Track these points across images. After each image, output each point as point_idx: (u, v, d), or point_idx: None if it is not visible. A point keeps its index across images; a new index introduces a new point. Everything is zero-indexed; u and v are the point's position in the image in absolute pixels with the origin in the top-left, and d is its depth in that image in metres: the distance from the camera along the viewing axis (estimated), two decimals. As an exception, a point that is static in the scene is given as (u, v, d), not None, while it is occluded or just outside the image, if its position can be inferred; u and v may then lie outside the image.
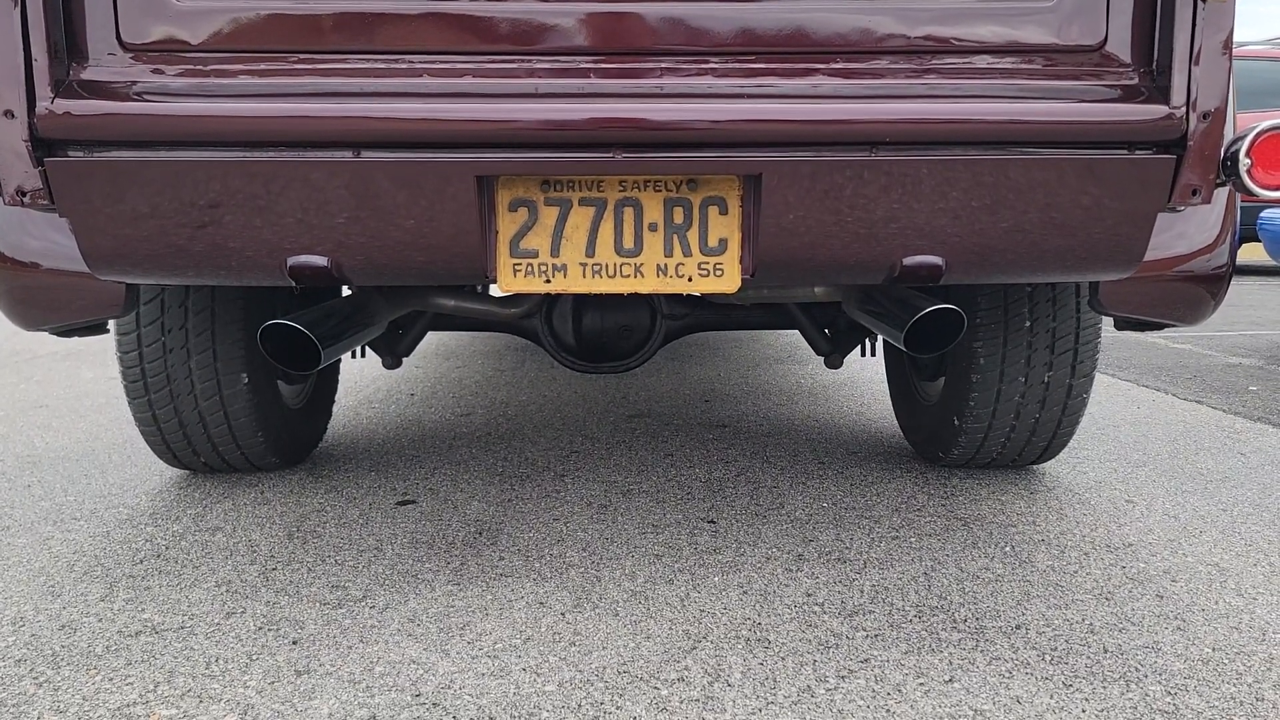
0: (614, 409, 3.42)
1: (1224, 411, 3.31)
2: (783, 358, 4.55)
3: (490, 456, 2.76)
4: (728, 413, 3.34)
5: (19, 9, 1.35)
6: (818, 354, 2.69)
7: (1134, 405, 3.41)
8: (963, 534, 2.10)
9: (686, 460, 2.72)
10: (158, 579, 1.87)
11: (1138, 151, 1.43)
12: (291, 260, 1.48)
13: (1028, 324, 2.25)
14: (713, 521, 2.19)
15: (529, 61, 1.44)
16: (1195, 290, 1.69)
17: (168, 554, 2.01)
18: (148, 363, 2.24)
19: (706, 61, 1.44)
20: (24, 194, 1.40)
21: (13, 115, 1.37)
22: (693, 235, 1.50)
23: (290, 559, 1.97)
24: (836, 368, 2.73)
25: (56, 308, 1.67)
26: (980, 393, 2.32)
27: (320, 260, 1.48)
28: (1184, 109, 1.40)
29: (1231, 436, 2.97)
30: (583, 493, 2.41)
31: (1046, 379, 2.29)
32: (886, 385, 3.02)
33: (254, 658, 1.55)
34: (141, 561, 1.97)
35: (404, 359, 2.68)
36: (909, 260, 1.49)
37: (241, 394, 2.31)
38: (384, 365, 2.62)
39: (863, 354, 3.00)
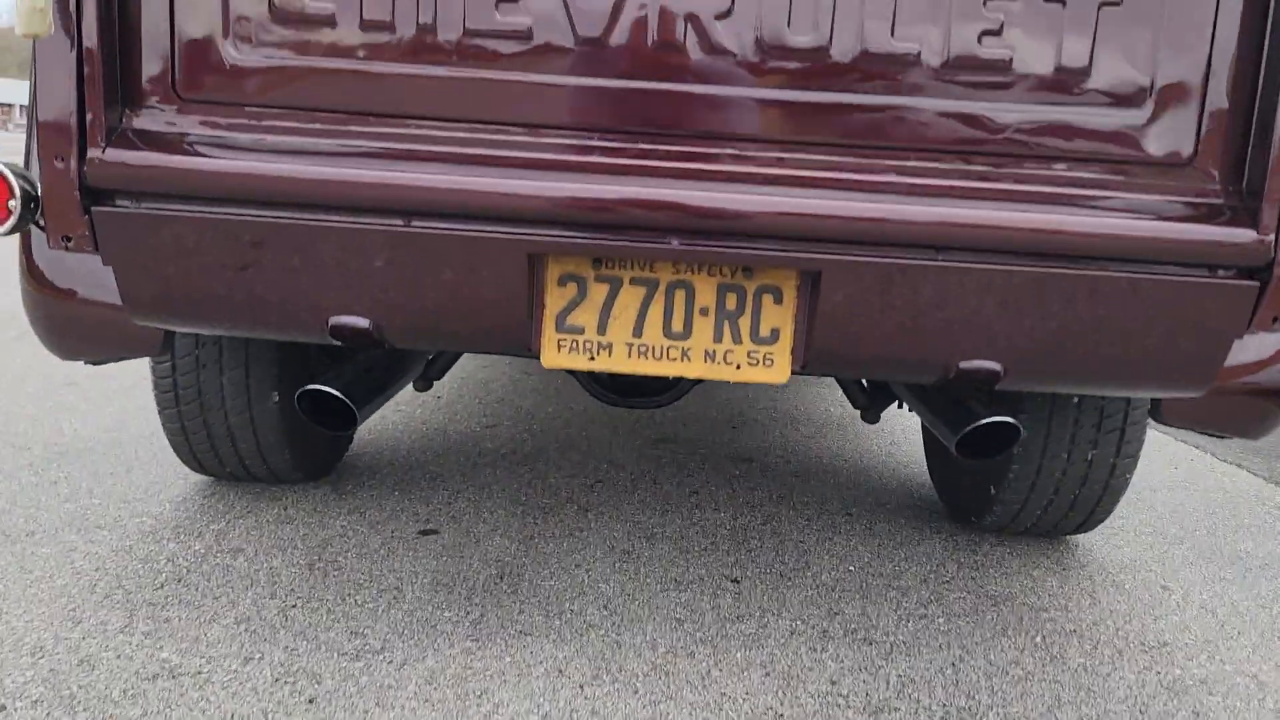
0: (640, 431, 3.39)
1: (1264, 480, 3.23)
2: (811, 381, 4.49)
3: (514, 481, 2.74)
4: (754, 444, 3.30)
5: (76, 51, 1.31)
6: (854, 407, 2.63)
7: (1172, 466, 3.34)
8: (992, 616, 2.05)
9: (711, 500, 2.68)
10: (177, 609, 1.86)
11: (1220, 274, 1.37)
12: (333, 320, 1.45)
13: (1075, 400, 2.18)
14: (736, 581, 2.16)
15: (589, 138, 1.39)
16: (1264, 405, 1.62)
17: (188, 578, 2.00)
18: (180, 375, 2.22)
19: (772, 150, 1.38)
20: (69, 239, 1.37)
21: (63, 160, 1.34)
22: (744, 322, 1.46)
23: (310, 595, 1.96)
24: (873, 423, 2.67)
25: (94, 341, 1.65)
26: (1021, 465, 2.26)
27: (363, 322, 1.45)
28: (1273, 235, 1.34)
29: (1272, 512, 2.89)
30: (605, 534, 2.38)
31: (1090, 456, 2.23)
32: (920, 432, 2.96)
33: (270, 716, 1.53)
34: (162, 585, 1.96)
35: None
36: (966, 364, 1.44)
37: (271, 412, 2.29)
38: (414, 388, 2.59)
39: (899, 406, 2.94)
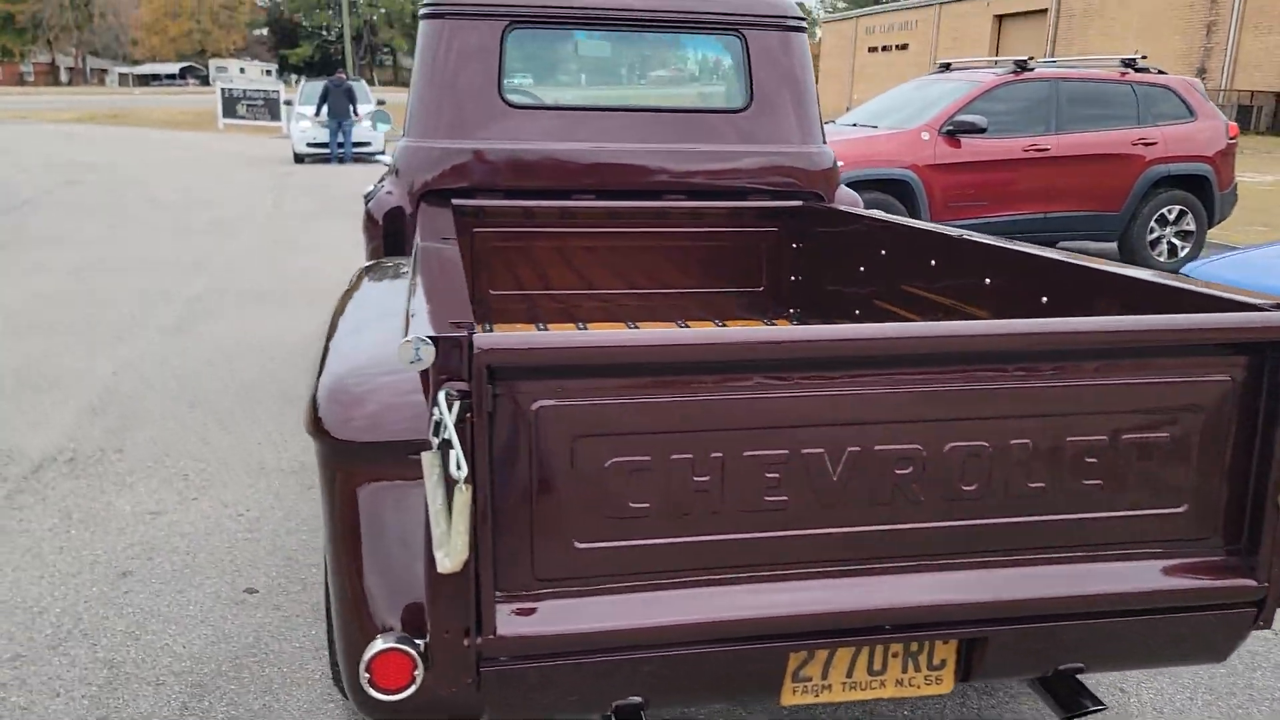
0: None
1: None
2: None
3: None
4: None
5: (473, 572, 1.71)
6: None
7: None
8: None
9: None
10: None
11: (1230, 610, 2.08)
12: (616, 702, 1.94)
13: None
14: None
15: (823, 568, 1.91)
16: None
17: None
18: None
19: (948, 560, 1.96)
20: (455, 688, 1.79)
21: (451, 633, 1.74)
22: (923, 658, 2.06)
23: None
24: None
25: (423, 711, 2.01)
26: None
27: (637, 699, 1.94)
28: (1267, 582, 2.05)
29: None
30: None
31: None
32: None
33: None
34: None
35: None
36: (1063, 666, 2.10)
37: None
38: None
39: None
